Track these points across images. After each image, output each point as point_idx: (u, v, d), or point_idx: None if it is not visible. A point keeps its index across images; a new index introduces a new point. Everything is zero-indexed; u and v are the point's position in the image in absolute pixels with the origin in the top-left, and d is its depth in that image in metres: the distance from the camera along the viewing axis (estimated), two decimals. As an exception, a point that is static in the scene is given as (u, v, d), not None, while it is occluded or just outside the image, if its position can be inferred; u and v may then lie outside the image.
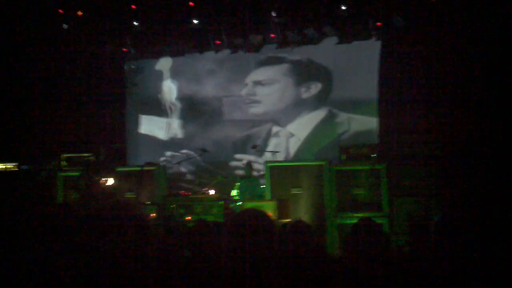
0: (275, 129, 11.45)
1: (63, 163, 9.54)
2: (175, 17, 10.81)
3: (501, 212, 7.20)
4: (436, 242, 3.07)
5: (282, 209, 7.92)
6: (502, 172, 8.22)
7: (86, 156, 9.33)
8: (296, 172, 8.52)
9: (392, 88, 10.24)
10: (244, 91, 11.74)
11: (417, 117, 9.56)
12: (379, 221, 7.74)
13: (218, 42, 11.51)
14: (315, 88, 11.28)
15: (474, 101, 9.08)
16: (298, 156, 11.09)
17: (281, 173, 8.58)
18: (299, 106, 11.32)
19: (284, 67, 11.54)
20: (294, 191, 8.42)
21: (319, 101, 11.21)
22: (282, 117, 11.42)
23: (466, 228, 2.99)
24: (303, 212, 8.27)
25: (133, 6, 10.67)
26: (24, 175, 9.70)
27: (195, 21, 10.80)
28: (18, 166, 9.79)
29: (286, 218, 7.98)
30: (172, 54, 12.26)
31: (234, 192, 9.67)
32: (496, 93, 8.96)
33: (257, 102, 11.62)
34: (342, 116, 10.99)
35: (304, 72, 11.42)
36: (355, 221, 7.43)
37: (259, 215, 3.12)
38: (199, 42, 11.58)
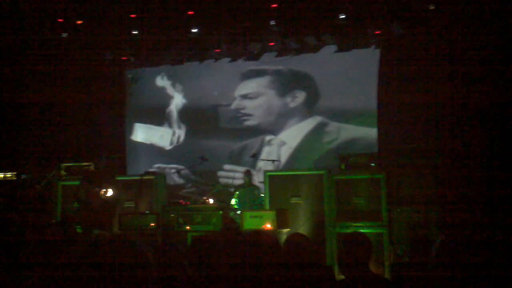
0: (267, 137, 11.49)
1: (63, 172, 9.53)
2: (175, 26, 10.84)
3: (502, 221, 7.19)
4: (438, 263, 3.08)
5: (281, 219, 7.87)
6: (502, 181, 8.20)
7: (85, 166, 9.31)
8: (295, 182, 8.49)
9: (392, 97, 10.23)
10: (233, 105, 11.78)
11: (416, 126, 9.55)
12: (378, 230, 7.76)
13: (217, 50, 11.55)
14: (301, 96, 11.34)
15: (473, 110, 9.08)
16: (290, 164, 11.10)
17: (280, 183, 8.54)
18: (288, 116, 11.38)
19: (266, 79, 11.62)
20: (294, 200, 8.39)
21: (308, 109, 11.26)
22: (274, 126, 11.47)
23: (468, 250, 2.99)
24: (302, 221, 8.24)
25: (133, 15, 10.70)
26: (23, 184, 9.69)
27: (194, 30, 10.84)
28: (17, 175, 9.79)
29: (285, 228, 7.95)
30: (172, 63, 12.28)
31: (233, 201, 9.64)
32: (495, 102, 8.95)
33: (248, 115, 11.68)
34: (337, 126, 11.02)
35: (286, 82, 11.49)
36: (354, 231, 7.46)
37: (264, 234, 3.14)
38: (198, 51, 11.62)
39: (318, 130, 11.17)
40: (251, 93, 11.75)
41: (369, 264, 3.81)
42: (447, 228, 7.55)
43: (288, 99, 11.44)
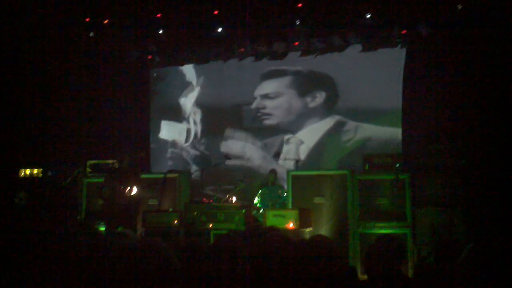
0: (286, 136, 11.48)
1: (88, 169, 9.64)
2: (200, 25, 10.87)
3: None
4: (466, 268, 3.02)
5: (304, 218, 7.86)
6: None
7: (110, 163, 9.39)
8: (318, 181, 8.48)
9: (417, 97, 10.13)
10: (254, 105, 11.79)
11: (442, 126, 9.44)
12: (402, 231, 7.70)
13: (242, 49, 11.56)
14: (320, 97, 11.31)
15: (501, 111, 8.94)
16: (308, 163, 11.07)
17: (303, 182, 8.54)
18: (308, 115, 11.37)
19: (286, 79, 11.62)
20: (317, 200, 8.38)
21: (328, 109, 11.23)
22: (294, 126, 11.49)
23: (498, 258, 2.92)
24: (325, 221, 8.23)
25: (158, 15, 10.77)
26: (50, 181, 9.83)
27: (219, 29, 10.86)
28: (43, 172, 9.92)
29: (308, 227, 7.95)
30: (196, 62, 12.34)
31: (256, 200, 9.64)
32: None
33: (268, 114, 11.69)
34: (355, 125, 10.96)
35: (306, 83, 11.48)
36: (377, 231, 7.41)
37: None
38: (223, 50, 11.65)
39: (337, 129, 11.14)
40: (272, 93, 11.75)
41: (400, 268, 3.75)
42: (472, 231, 7.45)
43: (308, 99, 11.42)
